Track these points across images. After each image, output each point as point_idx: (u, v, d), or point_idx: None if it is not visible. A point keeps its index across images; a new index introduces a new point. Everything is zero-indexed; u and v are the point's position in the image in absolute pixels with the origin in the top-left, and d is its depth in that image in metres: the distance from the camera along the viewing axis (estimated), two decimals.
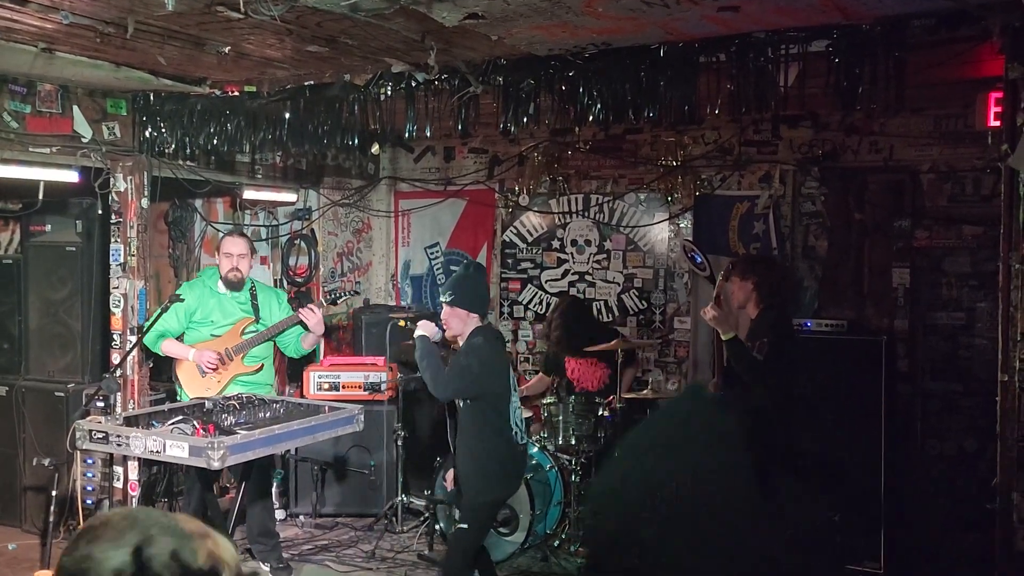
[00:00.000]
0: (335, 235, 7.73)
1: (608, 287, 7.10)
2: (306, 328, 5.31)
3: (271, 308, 5.45)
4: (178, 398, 5.30)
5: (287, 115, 5.39)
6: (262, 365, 5.41)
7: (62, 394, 5.85)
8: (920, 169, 5.98)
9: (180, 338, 5.26)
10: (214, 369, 5.19)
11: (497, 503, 4.62)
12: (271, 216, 7.59)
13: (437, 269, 7.92)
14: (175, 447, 3.77)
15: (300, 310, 5.30)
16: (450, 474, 4.88)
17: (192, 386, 5.14)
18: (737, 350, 4.57)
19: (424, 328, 4.45)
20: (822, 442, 5.59)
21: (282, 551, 5.54)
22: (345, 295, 5.98)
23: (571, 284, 7.27)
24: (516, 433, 4.54)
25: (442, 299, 4.46)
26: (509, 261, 7.58)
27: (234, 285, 5.32)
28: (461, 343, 4.44)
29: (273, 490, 6.03)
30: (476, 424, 4.36)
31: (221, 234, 5.53)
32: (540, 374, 6.81)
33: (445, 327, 4.49)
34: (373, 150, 7.39)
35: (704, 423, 2.31)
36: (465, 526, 4.38)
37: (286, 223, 7.57)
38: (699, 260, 6.35)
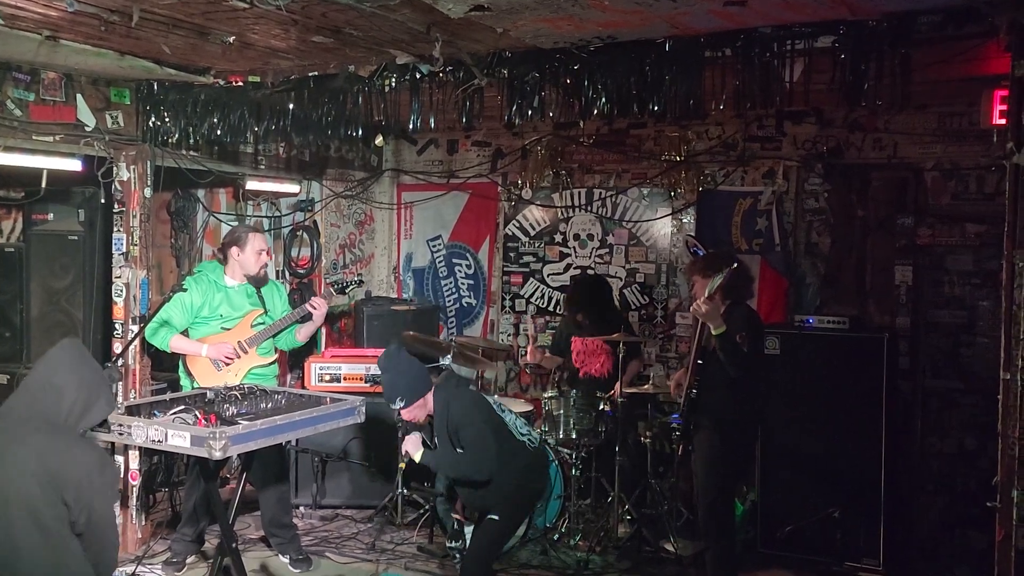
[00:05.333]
0: (337, 227, 7.72)
1: (610, 282, 7.09)
2: (308, 319, 5.34)
3: (274, 300, 5.46)
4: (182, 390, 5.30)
5: (291, 106, 5.38)
6: (276, 357, 5.45)
7: None
8: (924, 166, 5.98)
9: (185, 333, 5.25)
10: (229, 363, 5.20)
11: (531, 497, 4.72)
12: (274, 207, 7.59)
13: (439, 262, 7.92)
14: (177, 436, 3.77)
15: (309, 301, 5.31)
16: (458, 503, 4.88)
17: (208, 380, 5.10)
18: (728, 344, 4.60)
19: (414, 445, 4.50)
20: (822, 438, 5.61)
21: (300, 542, 5.55)
22: (353, 285, 5.99)
23: (573, 279, 7.27)
24: (526, 442, 4.59)
25: (395, 408, 4.46)
26: (511, 255, 7.58)
27: (261, 280, 5.34)
28: (436, 423, 4.51)
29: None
30: None
31: (246, 231, 5.39)
32: (548, 354, 6.73)
33: (415, 421, 4.55)
34: (377, 142, 7.39)
35: None
36: (496, 517, 4.43)
37: (289, 214, 7.57)
38: (702, 255, 6.36)
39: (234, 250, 5.29)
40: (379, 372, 4.59)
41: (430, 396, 4.48)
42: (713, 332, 4.60)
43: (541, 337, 7.12)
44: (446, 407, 4.44)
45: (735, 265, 4.76)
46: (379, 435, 6.31)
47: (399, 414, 4.56)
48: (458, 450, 4.43)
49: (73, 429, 2.90)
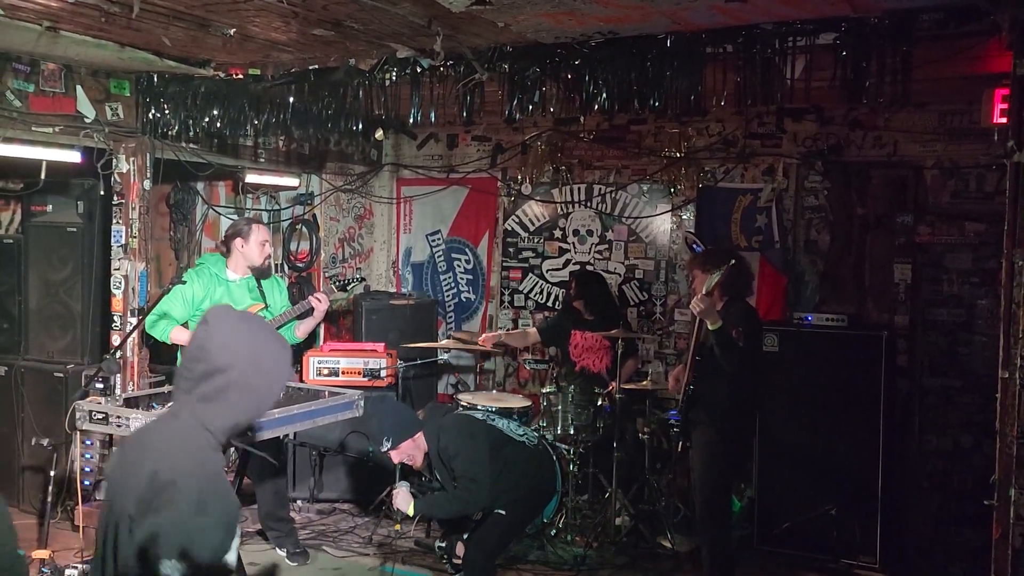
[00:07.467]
0: (337, 221, 7.72)
1: (609, 278, 7.09)
2: (309, 315, 5.35)
3: (274, 294, 5.45)
4: None
5: (291, 99, 5.38)
6: None
7: (61, 375, 5.84)
8: (924, 165, 5.98)
9: (185, 326, 5.24)
10: None
11: (538, 498, 4.70)
12: (273, 200, 7.59)
13: (438, 257, 7.91)
14: None
15: (311, 297, 5.31)
16: (460, 548, 4.74)
17: None
18: (725, 339, 4.61)
19: (404, 499, 4.46)
20: (820, 435, 5.62)
21: (298, 536, 5.56)
22: (354, 282, 5.97)
23: (572, 274, 7.27)
24: (525, 442, 4.58)
25: (383, 450, 4.44)
26: (511, 250, 7.57)
27: (265, 272, 5.35)
28: (432, 459, 4.49)
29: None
30: None
31: (248, 222, 5.36)
32: (533, 328, 6.79)
33: (412, 463, 4.54)
34: (376, 136, 7.40)
35: None
36: (503, 512, 4.43)
37: (288, 208, 7.56)
38: (702, 251, 6.35)
39: (238, 242, 5.28)
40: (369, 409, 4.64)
41: (421, 437, 4.45)
42: (709, 327, 4.60)
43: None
44: (437, 440, 4.44)
45: (734, 261, 4.76)
46: None
47: (390, 457, 4.51)
48: (453, 483, 4.42)
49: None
